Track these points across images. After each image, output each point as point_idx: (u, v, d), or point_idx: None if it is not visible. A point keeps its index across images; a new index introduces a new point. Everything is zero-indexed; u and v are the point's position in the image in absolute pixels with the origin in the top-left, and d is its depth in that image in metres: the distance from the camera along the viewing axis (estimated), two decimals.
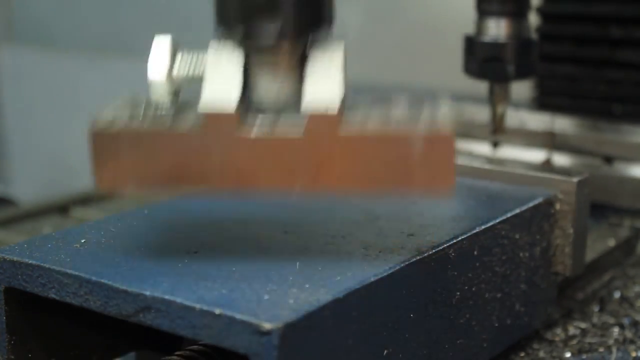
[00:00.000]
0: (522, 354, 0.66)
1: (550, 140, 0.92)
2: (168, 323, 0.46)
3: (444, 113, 0.48)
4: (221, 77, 0.46)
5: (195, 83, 0.48)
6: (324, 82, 0.46)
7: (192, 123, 0.47)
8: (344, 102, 0.47)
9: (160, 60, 0.47)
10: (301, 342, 0.44)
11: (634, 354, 0.66)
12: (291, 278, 0.49)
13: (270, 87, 0.47)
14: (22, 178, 2.08)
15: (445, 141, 0.47)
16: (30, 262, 0.51)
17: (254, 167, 0.47)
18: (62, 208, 1.09)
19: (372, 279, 0.49)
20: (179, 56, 0.48)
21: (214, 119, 0.46)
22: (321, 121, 0.46)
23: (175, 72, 0.47)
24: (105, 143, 0.48)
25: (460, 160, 0.71)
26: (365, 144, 0.47)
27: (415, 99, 0.50)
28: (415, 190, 0.48)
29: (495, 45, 0.80)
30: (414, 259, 0.52)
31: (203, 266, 0.50)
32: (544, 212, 0.64)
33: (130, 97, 0.51)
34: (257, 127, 0.47)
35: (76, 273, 0.49)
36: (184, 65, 0.48)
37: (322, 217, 0.59)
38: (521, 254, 0.62)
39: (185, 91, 0.50)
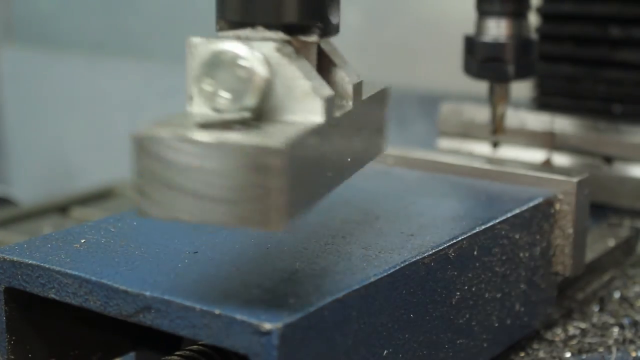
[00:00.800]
0: (522, 354, 0.66)
1: (550, 140, 0.92)
2: (168, 323, 0.46)
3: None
4: (304, 71, 0.45)
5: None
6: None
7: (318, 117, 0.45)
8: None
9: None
10: (301, 342, 0.44)
11: (633, 354, 0.66)
12: (291, 278, 0.49)
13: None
14: (22, 178, 2.08)
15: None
16: (30, 262, 0.51)
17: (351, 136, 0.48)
18: (62, 208, 1.09)
19: (372, 279, 0.49)
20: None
21: (329, 106, 0.45)
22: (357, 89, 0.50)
23: None
24: (296, 158, 0.41)
25: (460, 160, 0.71)
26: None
27: None
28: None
29: (495, 45, 0.80)
30: (414, 259, 0.52)
31: (203, 266, 0.50)
32: (544, 212, 0.64)
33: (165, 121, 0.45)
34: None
35: (76, 273, 0.49)
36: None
37: (321, 217, 0.59)
38: (521, 254, 0.62)
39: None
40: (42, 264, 0.50)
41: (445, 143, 0.98)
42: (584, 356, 0.66)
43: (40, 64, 1.99)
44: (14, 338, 0.53)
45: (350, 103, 0.49)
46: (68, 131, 1.97)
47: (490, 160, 0.78)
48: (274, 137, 0.42)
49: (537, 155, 0.92)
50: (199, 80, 0.45)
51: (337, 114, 0.47)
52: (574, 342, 0.68)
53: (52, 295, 0.50)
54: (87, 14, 1.91)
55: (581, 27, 0.98)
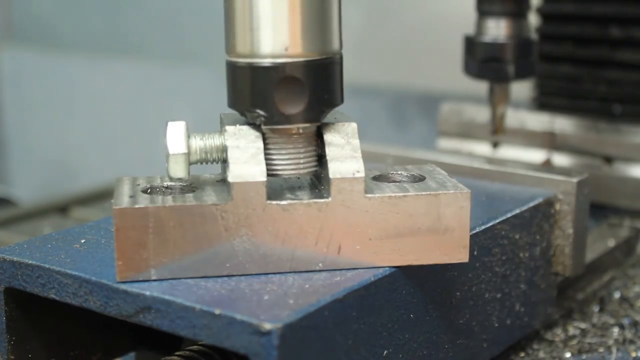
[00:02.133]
0: (522, 354, 0.66)
1: (550, 140, 0.92)
2: (168, 323, 0.46)
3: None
4: (245, 153, 0.49)
5: (209, 160, 0.50)
6: (347, 153, 0.50)
7: (216, 197, 0.49)
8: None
9: (177, 137, 0.49)
10: (301, 342, 0.44)
11: (633, 354, 0.66)
12: (291, 278, 0.49)
13: (288, 162, 0.51)
14: (22, 178, 2.08)
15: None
16: (30, 262, 0.51)
17: (284, 236, 0.49)
18: (62, 208, 1.09)
19: (372, 279, 0.49)
20: (192, 137, 0.50)
21: (245, 189, 0.48)
22: (347, 185, 0.49)
23: (191, 148, 0.50)
24: (130, 223, 0.48)
25: (460, 160, 0.71)
26: (389, 204, 0.50)
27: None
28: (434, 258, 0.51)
29: (495, 45, 0.80)
30: None
31: None
32: (543, 212, 0.64)
33: (136, 177, 0.53)
34: (286, 195, 0.50)
35: (76, 273, 0.49)
36: (197, 144, 0.50)
37: None
38: (521, 254, 0.62)
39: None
40: (42, 264, 0.50)
41: (445, 143, 0.98)
42: (584, 356, 0.66)
43: (40, 64, 1.99)
44: (14, 338, 0.53)
45: None
46: (68, 131, 1.97)
47: (490, 160, 0.78)
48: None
49: (537, 155, 0.92)
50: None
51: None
52: (574, 342, 0.68)
53: (52, 295, 0.50)
54: (86, 14, 1.91)
55: (581, 27, 0.98)
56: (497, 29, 0.80)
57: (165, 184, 0.51)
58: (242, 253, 0.49)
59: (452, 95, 1.15)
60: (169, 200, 0.48)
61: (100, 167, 1.91)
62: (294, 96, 0.49)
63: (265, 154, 0.50)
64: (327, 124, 0.51)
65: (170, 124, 0.49)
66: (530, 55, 0.81)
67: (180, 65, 1.76)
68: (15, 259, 0.51)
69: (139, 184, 0.51)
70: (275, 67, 0.48)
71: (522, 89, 0.99)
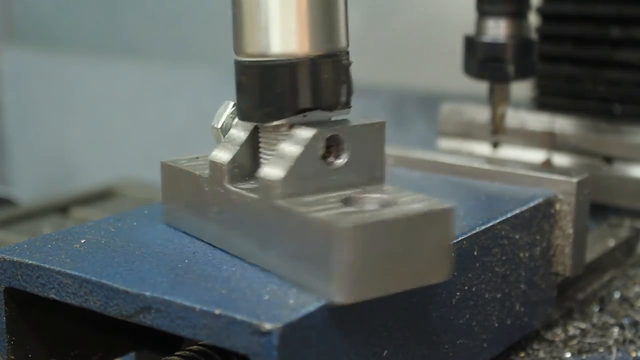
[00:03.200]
0: (522, 354, 0.66)
1: (550, 140, 0.92)
2: (168, 323, 0.46)
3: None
4: (231, 138, 0.54)
5: None
6: (281, 156, 0.50)
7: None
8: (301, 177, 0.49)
9: (220, 113, 0.55)
10: (301, 342, 0.44)
11: (634, 354, 0.66)
12: None
13: (265, 155, 0.53)
14: (22, 178, 2.08)
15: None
16: (30, 262, 0.51)
17: (234, 219, 0.52)
18: (62, 208, 1.09)
19: None
20: (233, 118, 0.55)
21: (214, 168, 0.53)
22: (268, 186, 0.49)
23: (227, 126, 0.55)
24: (165, 173, 0.58)
25: (460, 160, 0.71)
26: (286, 219, 0.48)
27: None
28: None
29: (495, 45, 0.80)
30: None
31: (203, 266, 0.50)
32: (544, 213, 0.64)
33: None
34: (249, 185, 0.52)
35: (76, 273, 0.49)
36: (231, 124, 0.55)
37: None
38: (521, 254, 0.62)
39: None
40: (42, 264, 0.50)
41: (445, 143, 0.98)
42: (584, 356, 0.66)
43: (40, 64, 1.99)
44: (14, 338, 0.53)
45: None
46: (68, 131, 1.97)
47: (490, 160, 0.78)
48: None
49: (537, 155, 0.92)
50: None
51: None
52: (574, 342, 0.68)
53: (52, 295, 0.50)
54: (87, 14, 1.91)
55: (581, 27, 0.98)
56: (497, 29, 0.80)
57: None
58: (212, 224, 0.54)
59: (452, 95, 1.15)
60: (184, 165, 0.56)
61: (100, 167, 1.91)
62: (245, 94, 0.51)
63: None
64: (296, 127, 0.50)
65: (226, 102, 0.55)
66: (530, 55, 0.81)
67: (180, 65, 1.76)
68: (15, 259, 0.51)
69: None
70: (237, 65, 0.51)
71: (522, 89, 0.99)
